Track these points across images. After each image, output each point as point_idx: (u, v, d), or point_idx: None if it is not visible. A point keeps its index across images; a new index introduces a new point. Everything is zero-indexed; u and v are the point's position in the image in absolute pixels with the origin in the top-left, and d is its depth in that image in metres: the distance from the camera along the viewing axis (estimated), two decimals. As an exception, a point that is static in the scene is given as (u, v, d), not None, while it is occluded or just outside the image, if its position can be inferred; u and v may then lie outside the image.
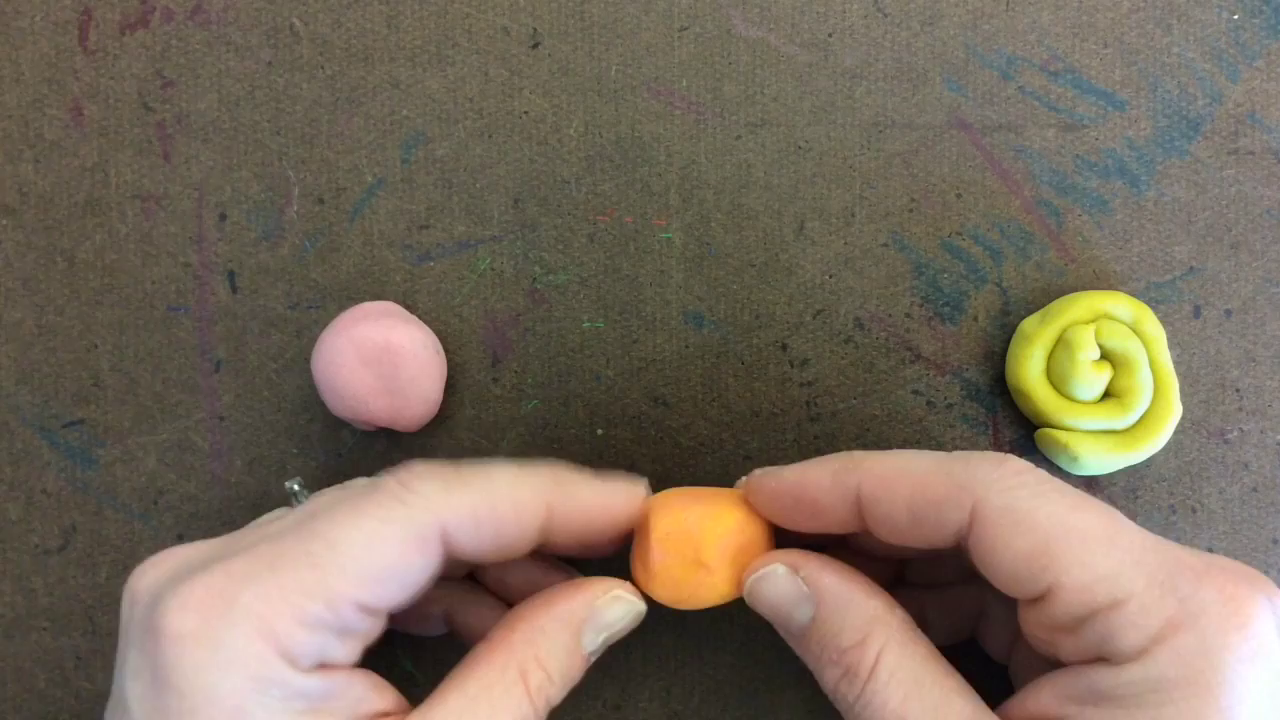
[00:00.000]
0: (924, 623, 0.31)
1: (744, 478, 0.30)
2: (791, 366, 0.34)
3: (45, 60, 0.35)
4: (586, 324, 0.34)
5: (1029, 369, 0.33)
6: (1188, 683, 0.22)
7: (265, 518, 0.30)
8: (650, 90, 0.34)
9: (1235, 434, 0.34)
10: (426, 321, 0.34)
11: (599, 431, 0.34)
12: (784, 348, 0.34)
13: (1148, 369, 0.32)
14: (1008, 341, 0.34)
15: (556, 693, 0.27)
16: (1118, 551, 0.24)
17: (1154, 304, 0.34)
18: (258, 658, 0.23)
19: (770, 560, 0.28)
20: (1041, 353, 0.33)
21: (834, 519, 0.27)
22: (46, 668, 0.35)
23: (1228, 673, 0.22)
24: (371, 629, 0.25)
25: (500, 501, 0.26)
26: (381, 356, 0.32)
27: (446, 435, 0.34)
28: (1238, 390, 0.34)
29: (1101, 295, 0.33)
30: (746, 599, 0.28)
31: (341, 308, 0.34)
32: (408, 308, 0.34)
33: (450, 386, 0.34)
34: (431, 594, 0.27)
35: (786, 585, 0.28)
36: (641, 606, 0.28)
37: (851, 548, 0.31)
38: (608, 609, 0.28)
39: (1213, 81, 0.34)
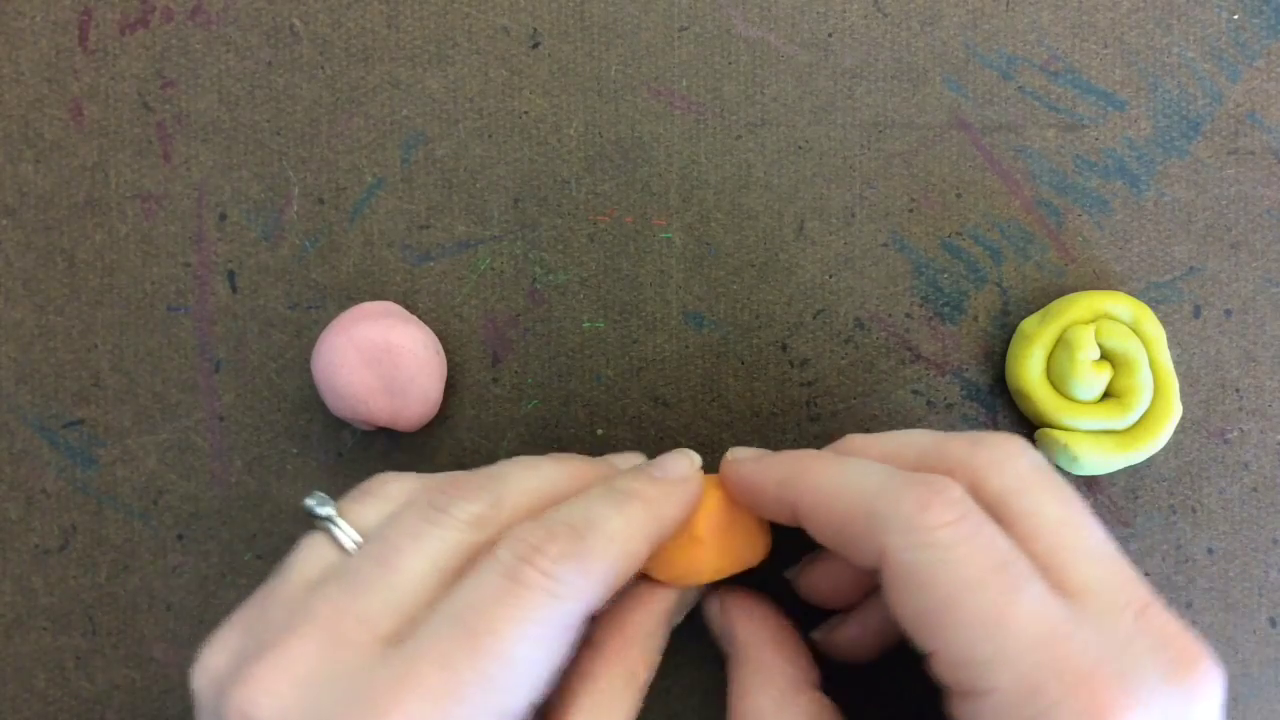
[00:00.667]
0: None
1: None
2: (791, 366, 0.34)
3: (45, 60, 0.35)
4: (586, 324, 0.34)
5: (1029, 369, 0.33)
6: None
7: (302, 568, 0.27)
8: (650, 90, 0.34)
9: (1235, 434, 0.34)
10: (426, 321, 0.34)
11: (599, 431, 0.34)
12: (784, 348, 0.34)
13: (1148, 369, 0.32)
14: (1008, 341, 0.34)
15: (649, 679, 0.29)
16: (996, 641, 0.23)
17: (1154, 304, 0.34)
18: None
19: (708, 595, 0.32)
20: (1041, 353, 0.33)
21: (784, 519, 0.28)
22: (46, 668, 0.35)
23: None
24: None
25: (626, 566, 0.27)
26: (381, 356, 0.32)
27: (446, 435, 0.34)
28: (1238, 390, 0.34)
29: (1101, 295, 0.33)
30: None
31: (341, 308, 0.34)
32: (408, 308, 0.34)
33: (450, 386, 0.34)
34: None
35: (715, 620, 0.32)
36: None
37: None
38: (687, 591, 0.31)
39: (1213, 81, 0.34)
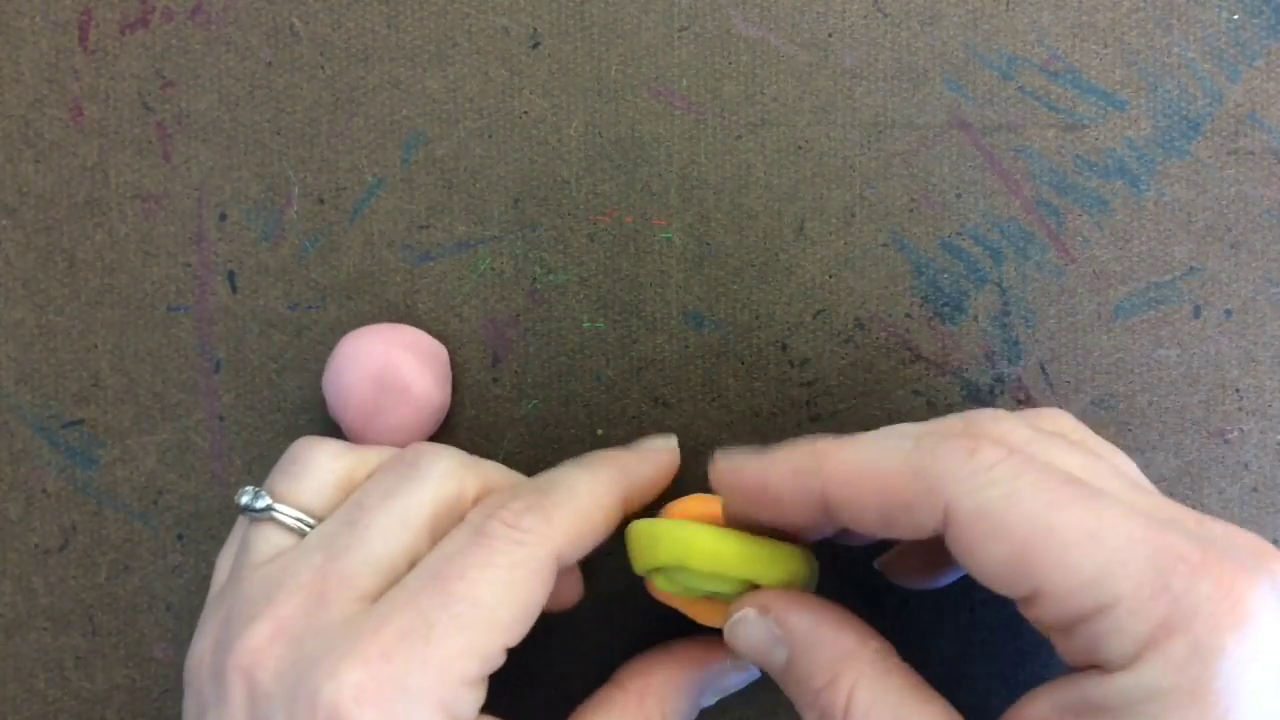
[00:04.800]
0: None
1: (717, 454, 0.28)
2: (791, 366, 0.34)
3: (45, 60, 0.35)
4: (586, 324, 0.34)
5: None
6: (1182, 691, 0.21)
7: (257, 556, 0.28)
8: (650, 90, 0.34)
9: (1235, 434, 0.34)
10: (427, 321, 0.34)
11: (599, 432, 0.34)
12: (784, 348, 0.34)
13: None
14: (1008, 341, 0.34)
15: None
16: (1103, 551, 0.22)
17: (1154, 304, 0.34)
18: None
19: (742, 604, 0.28)
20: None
21: (802, 519, 0.26)
22: (46, 668, 0.35)
23: (1223, 681, 0.21)
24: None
25: (593, 515, 0.28)
26: (397, 402, 0.32)
27: (446, 436, 0.34)
28: (1238, 390, 0.34)
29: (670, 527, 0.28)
30: (728, 644, 0.28)
31: (341, 308, 0.34)
32: (408, 307, 0.34)
33: (450, 386, 0.34)
34: None
35: (759, 628, 0.27)
36: (755, 672, 0.31)
37: None
38: (728, 676, 0.31)
39: (1213, 81, 0.34)
